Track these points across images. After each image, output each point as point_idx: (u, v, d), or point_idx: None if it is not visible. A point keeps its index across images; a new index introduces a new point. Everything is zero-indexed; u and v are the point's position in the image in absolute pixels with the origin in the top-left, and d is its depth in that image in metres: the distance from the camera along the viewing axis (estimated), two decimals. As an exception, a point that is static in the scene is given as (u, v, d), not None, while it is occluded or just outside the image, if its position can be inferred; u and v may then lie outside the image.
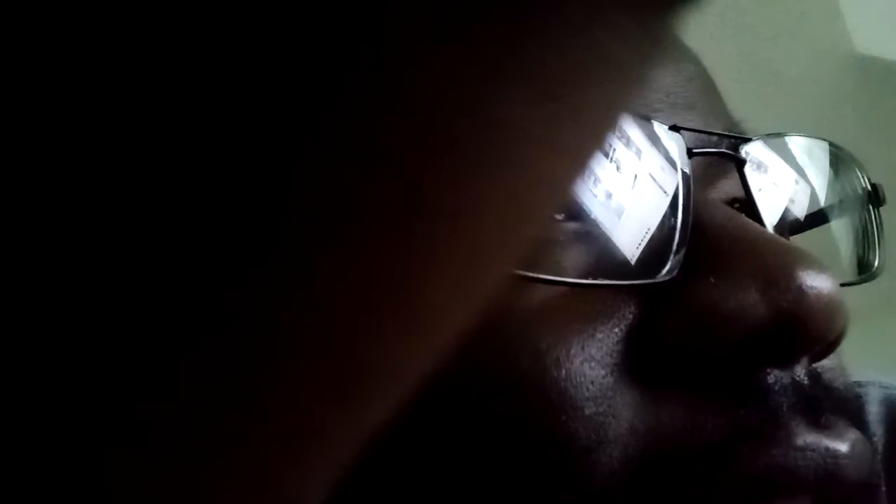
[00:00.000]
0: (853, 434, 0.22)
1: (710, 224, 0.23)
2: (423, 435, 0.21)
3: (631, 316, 0.22)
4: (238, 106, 0.08)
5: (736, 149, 0.26)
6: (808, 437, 0.21)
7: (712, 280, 0.22)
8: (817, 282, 0.21)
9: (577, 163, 0.10)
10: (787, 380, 0.22)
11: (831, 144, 0.29)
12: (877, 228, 0.30)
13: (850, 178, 0.30)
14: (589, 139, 0.10)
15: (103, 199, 0.08)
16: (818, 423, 0.22)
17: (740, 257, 0.22)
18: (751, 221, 0.24)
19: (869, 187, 0.30)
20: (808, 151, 0.29)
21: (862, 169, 0.30)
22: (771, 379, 0.22)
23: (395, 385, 0.10)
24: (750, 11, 1.18)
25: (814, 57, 1.32)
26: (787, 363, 0.22)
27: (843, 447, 0.21)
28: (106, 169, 0.07)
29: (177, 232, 0.08)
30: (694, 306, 0.22)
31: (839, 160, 0.30)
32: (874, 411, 0.32)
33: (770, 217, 0.26)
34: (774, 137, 0.28)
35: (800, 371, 0.22)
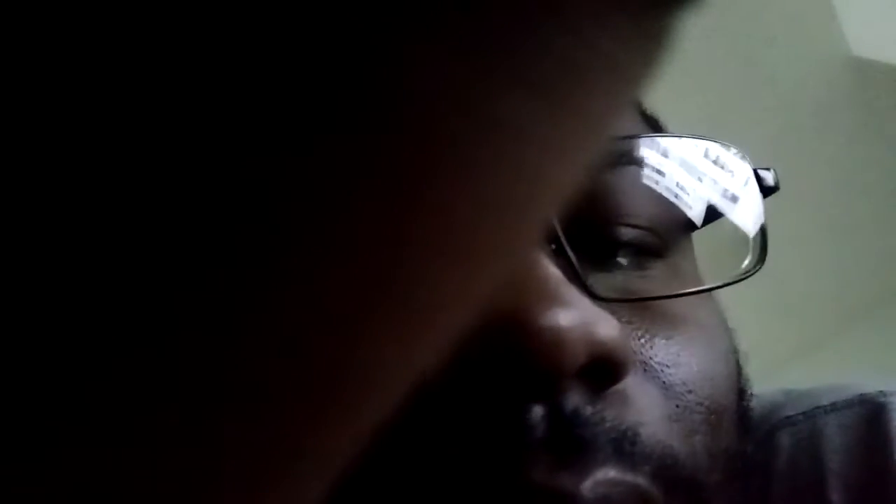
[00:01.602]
0: (602, 473, 0.22)
1: None
2: None
3: None
4: (239, 104, 0.08)
5: None
6: (543, 475, 0.22)
7: None
8: (545, 320, 0.21)
9: (575, 163, 0.10)
10: (539, 415, 0.22)
11: (706, 139, 0.29)
12: (760, 217, 0.29)
13: (734, 169, 0.29)
14: (586, 139, 0.10)
15: (102, 195, 0.08)
16: (567, 459, 0.22)
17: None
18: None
19: (753, 176, 0.30)
20: (682, 151, 0.28)
21: (744, 157, 0.29)
22: (528, 414, 0.22)
23: (391, 384, 0.10)
24: (746, 14, 1.18)
25: (809, 59, 1.32)
26: (520, 398, 0.22)
27: (578, 487, 0.22)
28: (107, 165, 0.08)
29: (176, 231, 0.08)
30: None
31: (717, 154, 0.29)
32: None
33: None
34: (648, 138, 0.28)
35: (569, 405, 0.23)
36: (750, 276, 0.28)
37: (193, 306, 0.08)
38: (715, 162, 0.29)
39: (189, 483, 0.09)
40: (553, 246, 0.24)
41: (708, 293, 0.29)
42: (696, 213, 0.28)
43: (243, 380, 0.09)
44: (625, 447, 0.23)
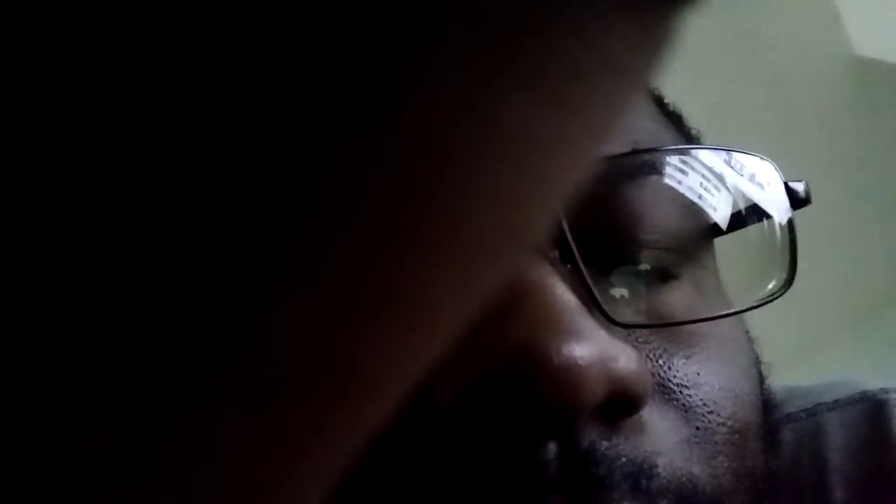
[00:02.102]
0: None
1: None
2: None
3: None
4: (243, 104, 0.08)
5: None
6: None
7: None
8: (561, 358, 0.20)
9: (577, 164, 0.10)
10: (553, 452, 0.21)
11: (737, 151, 0.28)
12: (790, 232, 0.28)
13: (762, 180, 0.28)
14: (589, 141, 0.10)
15: (106, 197, 0.08)
16: (581, 499, 0.21)
17: (499, 320, 0.21)
18: (532, 277, 0.22)
19: (785, 190, 0.28)
20: (706, 158, 0.27)
21: (777, 170, 0.28)
22: (542, 452, 0.21)
23: (394, 385, 0.10)
24: (749, 14, 1.18)
25: (813, 59, 1.32)
26: (534, 436, 0.21)
27: None
28: (110, 163, 0.08)
29: (180, 231, 0.08)
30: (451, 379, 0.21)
31: (744, 163, 0.28)
32: None
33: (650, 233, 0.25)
34: (672, 153, 0.26)
35: (584, 442, 0.22)
36: (777, 297, 0.27)
37: (195, 307, 0.08)
38: (741, 170, 0.28)
39: (191, 484, 0.09)
40: (569, 266, 0.23)
41: (727, 305, 0.28)
42: (720, 216, 0.27)
43: (246, 380, 0.09)
44: (641, 482, 0.22)
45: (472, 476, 0.21)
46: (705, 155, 0.27)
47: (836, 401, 0.33)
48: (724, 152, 0.27)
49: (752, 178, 0.28)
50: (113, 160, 0.08)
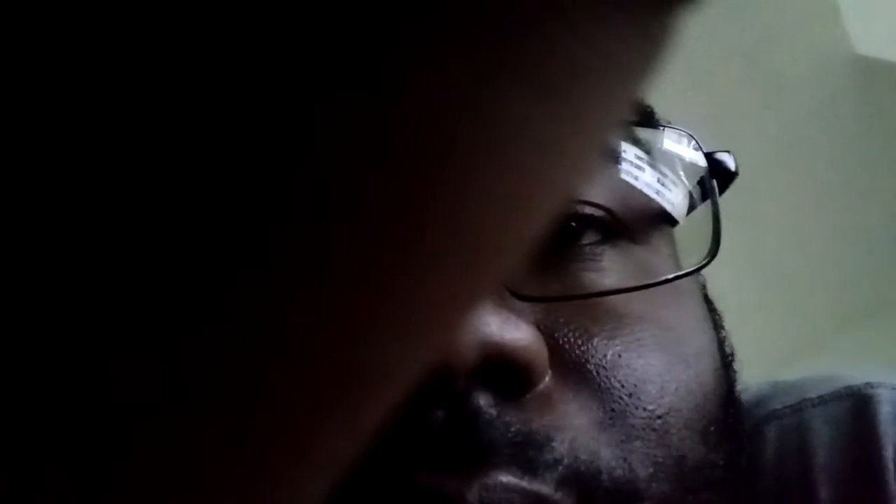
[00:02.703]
0: (493, 478, 0.22)
1: None
2: None
3: None
4: (242, 104, 0.08)
5: None
6: (430, 478, 0.21)
7: None
8: None
9: (576, 163, 0.10)
10: (437, 417, 0.22)
11: (664, 126, 0.27)
12: (713, 204, 0.27)
13: (687, 155, 0.28)
14: (588, 140, 0.10)
15: (102, 195, 0.08)
16: (460, 462, 0.22)
17: None
18: None
19: (707, 160, 0.28)
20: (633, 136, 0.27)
21: (696, 142, 0.28)
22: (428, 417, 0.22)
23: (392, 384, 0.10)
24: (749, 13, 1.18)
25: (813, 58, 1.32)
26: (422, 402, 0.22)
27: (465, 491, 0.21)
28: (109, 165, 0.07)
29: (177, 228, 0.08)
30: None
31: (672, 141, 0.28)
32: (885, 411, 0.31)
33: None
34: None
35: (470, 409, 0.22)
36: (697, 271, 0.26)
37: (194, 306, 0.08)
38: (666, 145, 0.27)
39: (189, 482, 0.09)
40: None
41: (678, 291, 0.27)
42: (652, 191, 0.27)
43: (246, 379, 0.09)
44: (527, 452, 0.22)
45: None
46: (639, 132, 0.27)
47: (820, 396, 0.33)
48: (654, 129, 0.27)
49: (675, 151, 0.28)
50: (114, 159, 0.07)
